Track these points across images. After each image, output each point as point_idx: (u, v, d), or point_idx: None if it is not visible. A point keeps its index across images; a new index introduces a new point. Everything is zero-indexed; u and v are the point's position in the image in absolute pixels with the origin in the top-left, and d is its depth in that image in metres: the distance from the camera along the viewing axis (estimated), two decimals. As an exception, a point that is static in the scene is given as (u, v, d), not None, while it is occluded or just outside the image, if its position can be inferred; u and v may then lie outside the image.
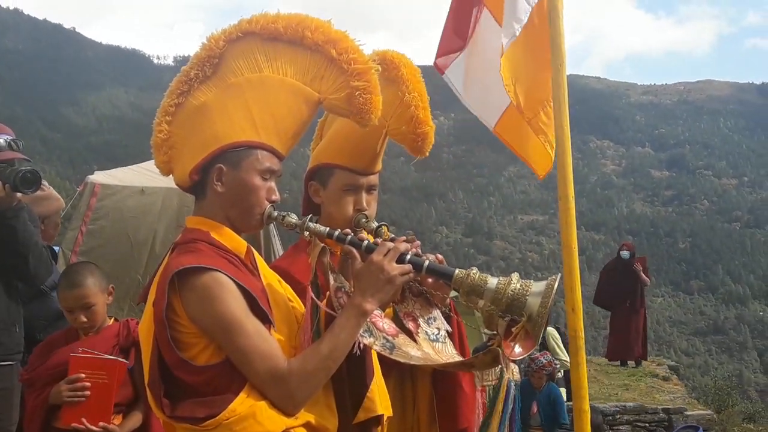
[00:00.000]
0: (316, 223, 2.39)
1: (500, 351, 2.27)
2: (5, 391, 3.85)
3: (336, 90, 2.35)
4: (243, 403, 2.17)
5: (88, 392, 3.50)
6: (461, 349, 2.89)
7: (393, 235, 2.80)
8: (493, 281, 2.26)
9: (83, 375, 3.49)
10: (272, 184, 2.40)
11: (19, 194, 3.78)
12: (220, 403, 2.17)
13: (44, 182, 4.60)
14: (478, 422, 2.59)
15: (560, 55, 3.34)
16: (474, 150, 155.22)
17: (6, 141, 3.90)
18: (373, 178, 2.96)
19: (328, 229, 2.36)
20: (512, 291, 2.22)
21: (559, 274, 2.31)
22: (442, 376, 2.96)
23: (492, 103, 4.21)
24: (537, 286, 2.23)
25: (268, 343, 2.21)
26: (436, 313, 2.70)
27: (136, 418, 3.64)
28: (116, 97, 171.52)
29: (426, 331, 2.62)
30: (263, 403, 2.19)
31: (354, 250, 2.33)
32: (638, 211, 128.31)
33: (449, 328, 2.73)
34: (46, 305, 4.32)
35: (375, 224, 2.87)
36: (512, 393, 2.55)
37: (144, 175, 8.96)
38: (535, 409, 8.53)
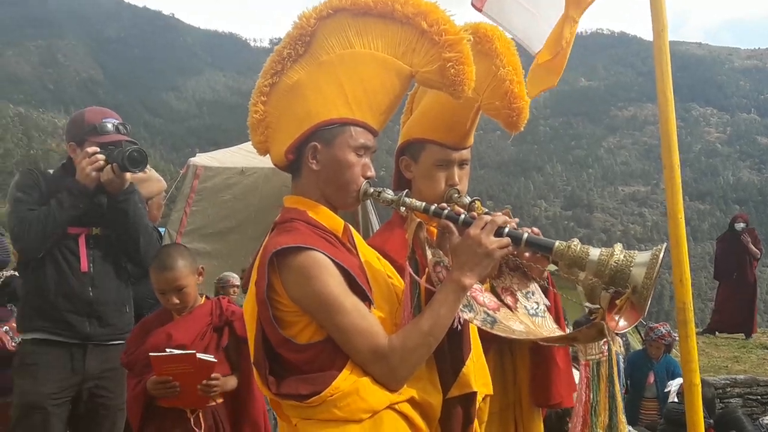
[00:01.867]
0: (411, 198, 2.37)
1: (605, 325, 2.22)
2: (116, 371, 3.98)
3: (428, 62, 2.31)
4: (346, 379, 2.19)
5: (178, 387, 3.59)
6: (557, 322, 2.85)
7: (486, 210, 2.77)
8: (595, 252, 2.20)
9: (170, 377, 3.57)
10: (367, 160, 2.39)
11: (128, 174, 3.89)
12: (324, 380, 2.19)
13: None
14: (582, 398, 2.54)
15: (661, 20, 3.22)
16: (571, 121, 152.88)
17: (113, 125, 4.00)
18: (465, 153, 2.91)
19: (424, 204, 2.34)
20: (616, 262, 2.15)
21: (665, 244, 2.19)
22: (536, 351, 2.93)
23: (536, 29, 4.10)
24: (641, 257, 2.15)
25: (368, 320, 2.22)
26: (534, 287, 2.66)
27: (232, 379, 3.73)
28: (214, 80, 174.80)
29: (525, 306, 2.58)
30: (366, 380, 2.20)
31: (451, 225, 2.30)
32: (745, 179, 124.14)
33: (548, 303, 2.69)
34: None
35: (467, 199, 2.83)
36: (621, 367, 2.50)
37: (243, 156, 9.12)
38: (651, 379, 8.31)
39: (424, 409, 2.30)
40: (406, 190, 2.39)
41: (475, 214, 2.34)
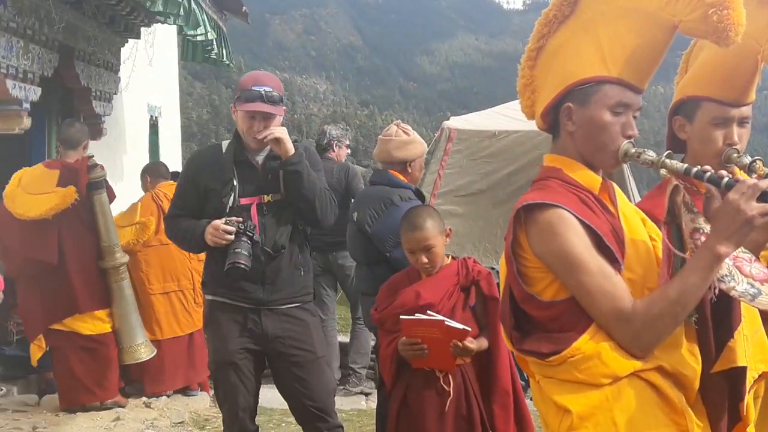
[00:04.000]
0: (673, 159, 2.26)
1: None
2: (299, 330, 4.19)
3: (691, 10, 2.19)
4: (588, 342, 2.17)
5: (426, 349, 3.68)
6: None
7: None
8: None
9: (419, 340, 3.67)
10: (628, 118, 2.31)
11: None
12: (565, 340, 2.19)
13: (409, 128, 4.88)
14: None
15: None
16: None
17: (261, 92, 4.00)
18: (746, 110, 2.74)
19: (686, 165, 2.22)
20: None
21: None
22: None
23: None
24: None
25: (612, 282, 2.18)
26: None
27: (483, 341, 3.79)
28: (467, 44, 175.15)
29: None
30: (609, 344, 2.17)
31: (713, 188, 2.18)
32: None
33: None
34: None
35: (748, 159, 2.68)
36: None
37: (496, 119, 9.18)
38: None
39: (678, 380, 2.23)
40: (669, 151, 2.28)
41: (739, 177, 2.19)
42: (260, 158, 4.16)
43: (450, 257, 4.02)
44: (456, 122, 9.46)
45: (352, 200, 6.08)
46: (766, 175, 2.60)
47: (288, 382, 4.23)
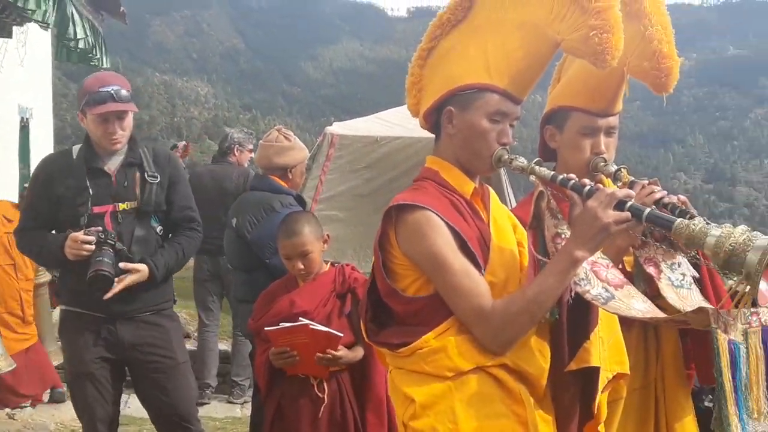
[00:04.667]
0: (542, 167, 2.35)
1: (712, 310, 2.11)
2: (157, 337, 4.12)
3: (574, 30, 2.26)
4: (437, 336, 2.26)
5: (296, 356, 3.67)
6: (716, 293, 2.76)
7: (633, 178, 2.70)
8: (715, 233, 2.05)
9: (287, 348, 3.65)
10: (505, 127, 2.38)
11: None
12: (416, 333, 2.28)
13: (290, 134, 4.83)
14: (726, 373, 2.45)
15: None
16: (717, 92, 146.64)
17: (110, 92, 3.87)
18: (613, 120, 2.84)
19: (552, 173, 2.31)
20: (732, 245, 1.99)
21: None
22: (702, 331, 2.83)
23: None
24: (761, 240, 1.98)
25: (475, 281, 2.26)
26: (681, 258, 2.58)
27: (358, 350, 3.78)
28: (351, 50, 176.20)
29: (669, 277, 2.51)
30: (455, 339, 2.26)
31: (575, 196, 2.26)
32: None
33: (696, 274, 2.60)
34: None
35: (613, 167, 2.78)
36: (741, 358, 2.39)
37: (379, 125, 9.21)
38: None
39: (522, 376, 2.31)
40: (538, 158, 2.37)
41: (600, 186, 2.27)
42: (113, 165, 4.03)
43: (329, 264, 3.99)
44: (338, 128, 9.46)
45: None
46: (631, 183, 2.69)
47: (148, 389, 4.13)
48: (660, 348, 2.91)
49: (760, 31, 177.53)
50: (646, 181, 2.62)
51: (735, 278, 2.07)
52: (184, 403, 4.16)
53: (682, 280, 2.56)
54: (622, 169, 2.79)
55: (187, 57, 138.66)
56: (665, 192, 2.46)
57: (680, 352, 2.93)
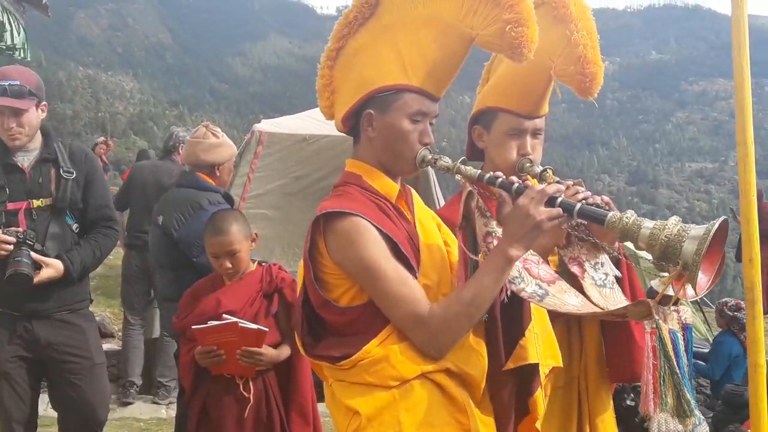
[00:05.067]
0: (468, 166, 2.33)
1: (652, 303, 2.15)
2: (74, 336, 4.02)
3: (488, 24, 2.25)
4: (378, 345, 2.21)
5: (223, 356, 3.63)
6: (632, 292, 2.81)
7: (558, 179, 2.72)
8: (648, 225, 2.10)
9: (214, 347, 3.62)
10: (425, 126, 2.35)
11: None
12: (356, 344, 2.22)
13: (218, 130, 4.76)
14: (650, 366, 2.50)
15: (740, -8, 3.10)
16: (639, 95, 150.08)
17: (3, 86, 3.76)
18: (539, 122, 2.87)
19: (479, 171, 2.30)
20: (667, 236, 2.05)
21: (722, 218, 2.09)
22: (615, 327, 2.89)
23: None
24: (695, 231, 2.04)
25: (410, 287, 2.22)
26: (604, 258, 2.62)
27: (284, 350, 3.75)
28: (280, 47, 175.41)
29: (592, 276, 2.55)
30: (399, 347, 2.21)
31: (504, 194, 2.25)
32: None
33: (618, 273, 2.65)
34: None
35: (539, 168, 2.80)
36: (680, 345, 2.45)
37: (307, 123, 9.15)
38: None
39: (464, 379, 2.29)
40: (463, 158, 2.35)
41: (528, 183, 2.27)
42: (27, 161, 3.92)
43: (256, 263, 3.96)
44: (267, 125, 9.36)
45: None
46: (556, 183, 2.72)
47: (61, 389, 4.02)
48: (583, 344, 2.95)
49: (682, 36, 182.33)
50: (571, 182, 2.65)
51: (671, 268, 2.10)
52: (97, 405, 4.07)
53: (605, 279, 2.59)
54: (548, 170, 2.81)
55: (111, 51, 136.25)
56: (589, 193, 2.49)
57: (602, 348, 2.97)
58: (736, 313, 8.11)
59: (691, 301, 10.48)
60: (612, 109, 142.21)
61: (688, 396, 2.40)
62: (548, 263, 2.54)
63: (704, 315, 9.56)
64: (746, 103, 2.98)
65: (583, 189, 2.51)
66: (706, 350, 8.30)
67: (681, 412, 2.52)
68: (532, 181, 2.73)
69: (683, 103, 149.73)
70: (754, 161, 2.92)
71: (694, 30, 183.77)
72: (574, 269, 2.58)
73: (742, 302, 8.22)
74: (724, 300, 8.47)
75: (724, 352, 8.11)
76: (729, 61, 2.98)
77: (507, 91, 2.86)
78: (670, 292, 2.20)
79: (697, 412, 2.48)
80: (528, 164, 2.82)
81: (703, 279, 2.09)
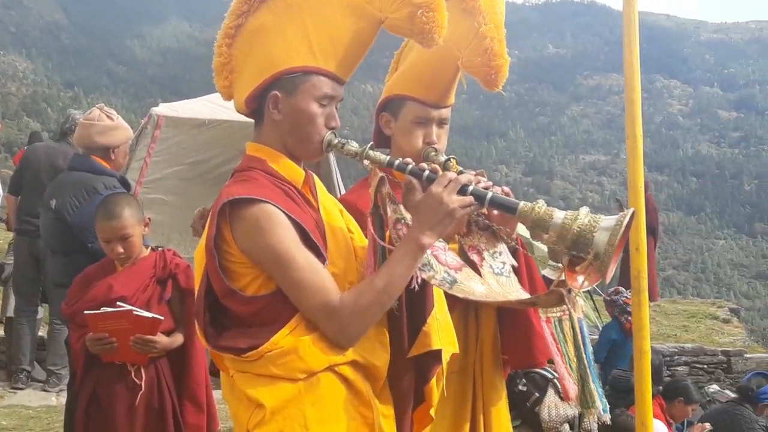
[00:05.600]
0: (376, 152, 2.32)
1: (564, 291, 2.21)
2: None
3: (398, 8, 2.25)
4: (286, 336, 2.17)
5: (115, 343, 3.56)
6: (530, 282, 2.88)
7: (461, 169, 2.76)
8: (559, 215, 2.15)
9: (106, 334, 3.55)
10: (332, 110, 2.33)
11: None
12: (264, 335, 2.17)
13: (113, 112, 4.66)
14: (557, 354, 2.56)
15: (632, -11, 3.20)
16: (536, 88, 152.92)
17: None
18: (445, 112, 2.92)
19: (388, 157, 2.30)
20: (579, 226, 2.10)
21: (632, 210, 2.16)
22: (513, 314, 2.94)
23: None
24: (606, 221, 2.10)
25: (320, 275, 2.19)
26: (502, 247, 2.67)
27: (177, 337, 3.72)
28: (180, 30, 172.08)
29: (491, 265, 2.59)
30: (308, 339, 2.17)
31: (414, 181, 2.25)
32: (704, 152, 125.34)
33: (515, 263, 2.70)
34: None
35: (444, 158, 2.83)
36: (586, 332, 2.52)
37: (207, 107, 9.01)
38: None
39: (368, 371, 2.29)
40: (371, 143, 2.34)
41: (438, 169, 2.29)
42: None
43: (149, 248, 3.89)
44: (165, 109, 9.17)
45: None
46: (460, 173, 2.76)
47: None
48: (480, 332, 3.00)
49: (577, 31, 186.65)
50: (473, 173, 2.69)
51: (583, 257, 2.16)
52: None
53: (503, 268, 2.64)
54: (451, 160, 2.85)
55: (4, 30, 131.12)
56: (491, 183, 2.54)
57: (498, 336, 3.03)
58: (614, 297, 8.40)
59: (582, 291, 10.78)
60: (510, 101, 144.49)
61: (593, 386, 2.46)
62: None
63: (594, 303, 9.85)
64: (636, 97, 3.09)
65: (485, 180, 2.56)
66: (596, 337, 8.58)
67: (584, 402, 2.59)
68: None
69: (578, 97, 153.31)
70: (645, 154, 3.01)
71: (589, 25, 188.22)
72: (474, 257, 2.62)
73: (620, 287, 8.54)
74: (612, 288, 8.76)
75: (605, 336, 8.41)
76: (622, 56, 3.07)
77: (415, 79, 2.89)
78: (574, 281, 2.25)
79: (600, 402, 2.54)
80: (433, 153, 2.85)
81: (611, 267, 2.16)
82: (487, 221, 2.57)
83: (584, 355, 2.51)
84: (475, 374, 2.99)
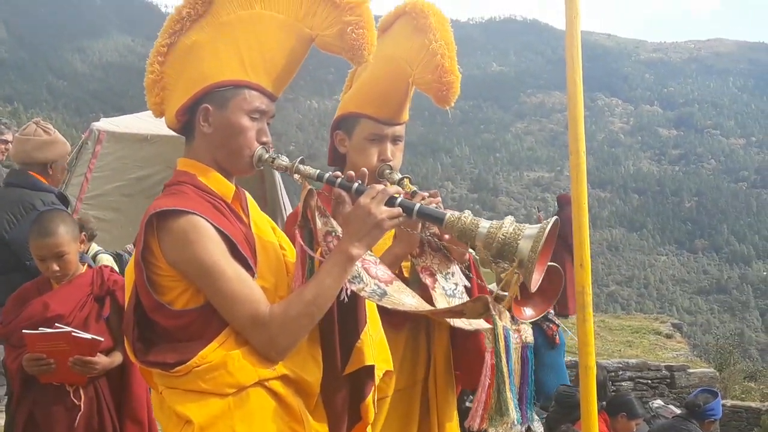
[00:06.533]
0: (306, 165, 2.31)
1: (489, 299, 2.22)
2: None
3: (328, 26, 2.27)
4: (215, 351, 2.15)
5: (53, 364, 3.48)
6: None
7: (416, 188, 2.77)
8: (485, 225, 2.18)
9: (43, 355, 3.46)
10: (263, 125, 2.33)
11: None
12: (192, 350, 2.15)
13: (50, 127, 4.57)
14: (484, 384, 2.55)
15: (574, 7, 3.25)
16: (481, 105, 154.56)
17: None
18: (399, 129, 2.93)
19: (318, 171, 2.30)
20: (504, 235, 2.13)
21: (555, 218, 2.19)
22: (462, 334, 2.94)
23: None
24: (530, 230, 2.13)
25: (249, 287, 2.17)
26: (455, 268, 2.67)
27: (117, 356, 3.64)
28: (122, 44, 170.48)
29: (443, 286, 2.59)
30: (237, 353, 2.15)
31: (344, 194, 2.27)
32: (645, 169, 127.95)
33: (467, 284, 2.70)
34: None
35: (398, 176, 2.85)
36: (511, 342, 2.51)
37: (149, 123, 8.92)
38: None
39: (299, 386, 2.27)
40: (301, 157, 2.33)
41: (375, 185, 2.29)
42: None
43: (86, 265, 3.80)
44: (106, 124, 9.07)
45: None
46: (413, 193, 2.76)
47: None
48: (432, 350, 2.99)
49: (520, 49, 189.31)
50: (427, 193, 2.70)
51: (506, 266, 2.17)
52: None
53: (455, 289, 2.65)
54: (406, 178, 2.86)
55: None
56: (440, 200, 2.55)
57: (450, 354, 3.02)
58: None
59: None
60: (455, 118, 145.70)
61: (508, 394, 2.44)
62: (396, 272, 2.55)
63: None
64: (578, 115, 3.11)
65: (438, 200, 2.57)
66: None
67: (498, 410, 2.58)
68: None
69: (522, 114, 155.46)
70: (588, 171, 3.04)
71: (532, 44, 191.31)
72: (426, 280, 2.62)
73: None
74: None
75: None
76: (565, 74, 3.10)
77: (368, 97, 2.91)
78: (506, 292, 2.26)
79: (515, 414, 2.53)
80: (388, 171, 2.87)
81: (536, 276, 2.17)
82: (438, 242, 2.57)
83: (504, 365, 2.51)
84: (429, 392, 2.98)
